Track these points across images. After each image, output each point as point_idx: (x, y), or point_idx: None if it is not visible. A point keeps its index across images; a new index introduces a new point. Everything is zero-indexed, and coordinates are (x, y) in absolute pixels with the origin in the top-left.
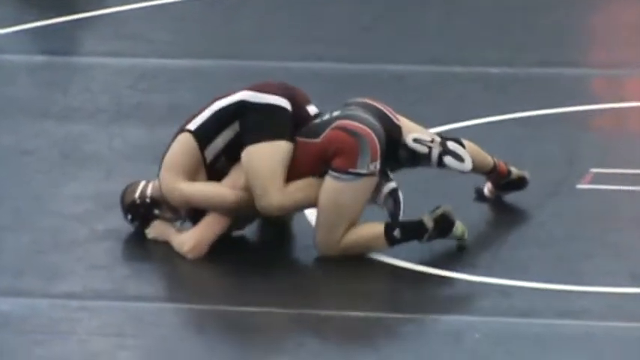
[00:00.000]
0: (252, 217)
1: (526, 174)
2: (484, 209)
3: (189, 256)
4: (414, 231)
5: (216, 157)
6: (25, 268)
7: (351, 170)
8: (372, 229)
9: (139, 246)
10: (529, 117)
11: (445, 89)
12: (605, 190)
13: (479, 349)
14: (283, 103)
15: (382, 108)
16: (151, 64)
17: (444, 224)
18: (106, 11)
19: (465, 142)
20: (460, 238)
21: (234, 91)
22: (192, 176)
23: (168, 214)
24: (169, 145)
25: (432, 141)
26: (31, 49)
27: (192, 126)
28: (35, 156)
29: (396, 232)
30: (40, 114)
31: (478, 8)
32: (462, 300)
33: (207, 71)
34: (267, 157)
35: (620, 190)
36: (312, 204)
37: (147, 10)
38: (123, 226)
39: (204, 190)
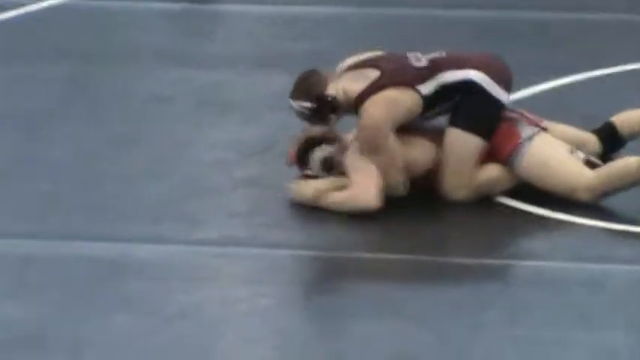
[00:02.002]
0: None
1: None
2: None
3: (371, 205)
4: None
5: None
6: (164, 215)
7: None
8: (628, 163)
9: (278, 194)
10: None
11: (587, 36)
12: None
13: (616, 297)
14: (504, 98)
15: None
16: (293, 11)
17: None
18: None
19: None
20: None
21: (454, 57)
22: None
23: (333, 129)
24: (386, 81)
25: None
26: None
27: (424, 90)
28: (175, 103)
29: None
30: (180, 61)
31: None
32: (596, 247)
33: (349, 18)
34: (468, 151)
35: None
36: (495, 193)
37: None
38: (262, 173)
39: (394, 160)
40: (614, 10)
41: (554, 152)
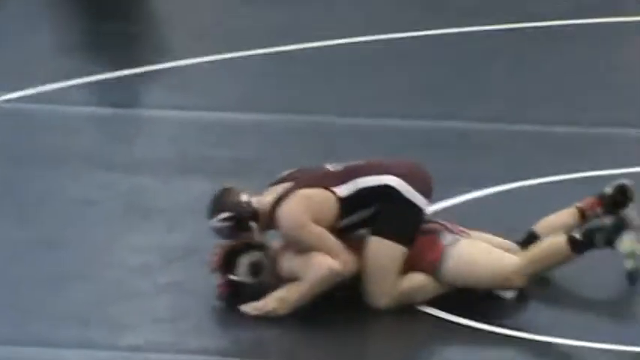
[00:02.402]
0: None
1: (622, 181)
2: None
3: (336, 266)
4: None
5: (340, 229)
6: (91, 319)
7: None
8: (553, 241)
9: (202, 299)
10: (592, 177)
11: (507, 147)
12: None
13: None
14: (423, 204)
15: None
16: (216, 117)
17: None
18: (172, 64)
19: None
20: (629, 256)
21: (373, 164)
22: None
23: (259, 236)
24: (301, 185)
25: None
26: (97, 101)
27: (340, 193)
28: (99, 207)
29: (578, 234)
30: (105, 166)
31: (544, 68)
32: (521, 358)
33: (271, 125)
34: (390, 258)
35: None
36: (418, 302)
37: (213, 63)
38: (185, 279)
39: (331, 241)
40: (533, 121)
41: (480, 248)
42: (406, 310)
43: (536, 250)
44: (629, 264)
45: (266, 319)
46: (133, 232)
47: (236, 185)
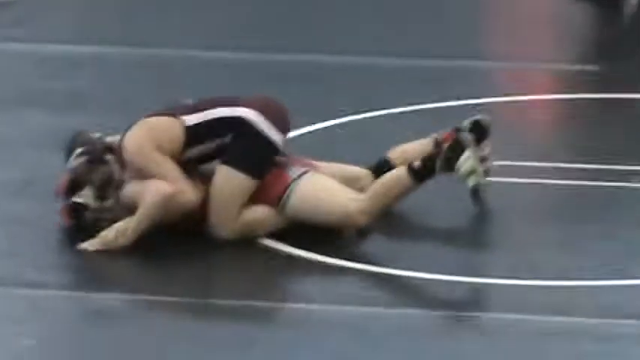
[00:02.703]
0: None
1: (478, 116)
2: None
3: (193, 202)
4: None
5: (189, 159)
6: None
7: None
8: (393, 174)
9: (41, 233)
10: (432, 108)
11: (353, 80)
12: (507, 182)
13: (379, 340)
14: (278, 140)
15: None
16: (53, 50)
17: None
18: None
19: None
20: (468, 174)
21: (229, 98)
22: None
23: (116, 166)
24: (151, 115)
25: None
26: None
27: (189, 121)
28: None
29: (417, 163)
30: None
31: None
32: (361, 290)
33: (109, 58)
34: (236, 189)
35: (521, 183)
36: (260, 234)
37: None
38: (24, 212)
39: (170, 168)
40: (383, 53)
41: (324, 185)
42: (247, 242)
43: (377, 185)
44: (470, 181)
45: (108, 253)
46: None
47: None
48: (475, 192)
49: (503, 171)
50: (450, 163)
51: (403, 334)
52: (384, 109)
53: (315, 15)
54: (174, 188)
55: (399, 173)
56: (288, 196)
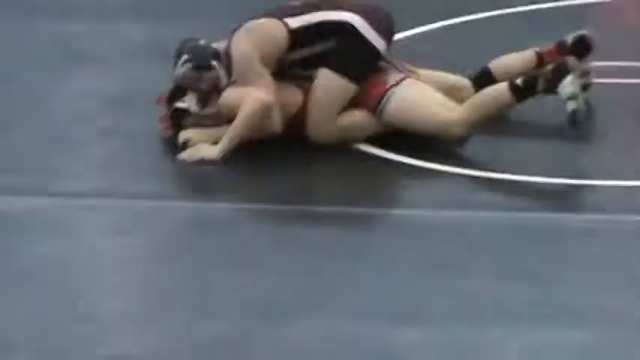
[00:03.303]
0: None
1: (583, 31)
2: None
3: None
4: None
5: (292, 63)
6: (25, 167)
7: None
8: (495, 88)
9: (141, 144)
10: (527, 11)
11: None
12: (611, 83)
13: (480, 243)
14: (382, 46)
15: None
16: None
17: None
18: None
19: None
20: (569, 98)
21: (335, 2)
22: (264, 64)
23: (222, 72)
24: (257, 16)
25: None
26: None
27: (293, 23)
28: (35, 54)
29: (519, 81)
30: (38, 12)
31: None
32: (460, 194)
33: None
34: (337, 93)
35: (625, 84)
36: (358, 139)
37: None
38: (124, 124)
39: (267, 84)
40: None
41: (423, 93)
42: (345, 148)
43: (477, 97)
44: (570, 105)
45: (205, 164)
46: (70, 79)
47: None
48: (573, 116)
49: (607, 72)
50: (552, 85)
51: (502, 238)
52: (484, 11)
53: None
54: (270, 96)
55: (500, 88)
56: (385, 102)
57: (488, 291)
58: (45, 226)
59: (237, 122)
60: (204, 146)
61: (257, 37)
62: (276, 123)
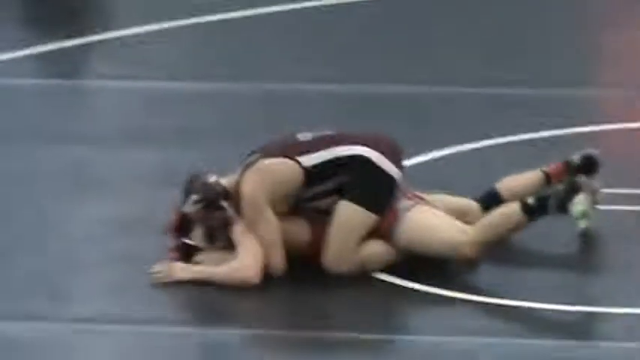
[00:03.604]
0: None
1: (589, 151)
2: None
3: (253, 280)
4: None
5: (306, 199)
6: (36, 291)
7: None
8: (506, 208)
9: (149, 269)
10: (539, 138)
11: (454, 110)
12: (616, 210)
13: None
14: (397, 175)
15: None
16: (160, 87)
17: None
18: (114, 34)
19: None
20: (581, 217)
21: (345, 135)
22: (276, 203)
23: (232, 211)
24: (267, 153)
25: None
26: (39, 73)
27: (307, 162)
28: (46, 181)
29: (531, 200)
30: (52, 138)
31: (489, 27)
32: (470, 321)
33: (216, 94)
34: (358, 224)
35: (631, 211)
36: (375, 269)
37: (155, 32)
38: (134, 249)
39: (271, 231)
40: (482, 83)
41: (434, 216)
42: (362, 277)
43: (488, 218)
44: (581, 224)
45: (212, 290)
46: (80, 204)
47: (203, 169)
48: (585, 235)
49: (615, 199)
50: (563, 204)
51: None
52: (489, 139)
53: (417, 45)
54: (258, 274)
55: (512, 208)
56: (397, 227)
57: None
58: (55, 352)
59: (218, 276)
60: (178, 266)
61: (269, 179)
62: (279, 265)
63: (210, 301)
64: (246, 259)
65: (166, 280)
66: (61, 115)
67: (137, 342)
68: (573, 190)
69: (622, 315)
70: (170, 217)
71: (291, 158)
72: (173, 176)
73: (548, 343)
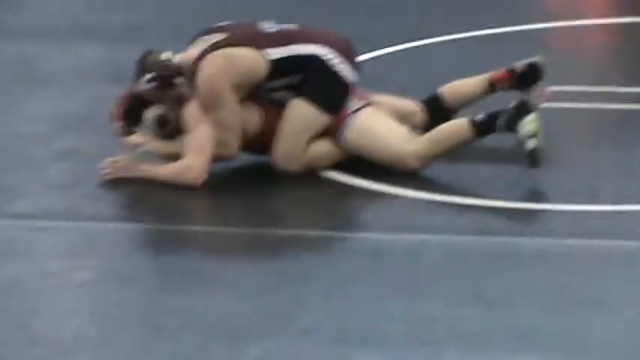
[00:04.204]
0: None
1: (534, 58)
2: None
3: (197, 181)
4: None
5: (266, 91)
6: None
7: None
8: (455, 124)
9: (96, 166)
10: (487, 35)
11: (404, 6)
12: (563, 107)
13: (435, 267)
14: (351, 76)
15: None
16: None
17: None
18: None
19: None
20: (530, 137)
21: (306, 32)
22: (235, 91)
23: (186, 89)
24: (233, 40)
25: None
26: None
27: (272, 55)
28: None
29: (480, 117)
30: None
31: None
32: (417, 218)
33: None
34: (310, 124)
35: (577, 108)
36: (324, 167)
37: None
38: (80, 145)
39: (228, 115)
40: None
41: (381, 123)
42: (309, 175)
43: (436, 132)
44: (530, 144)
45: (158, 186)
46: (25, 100)
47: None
48: (532, 154)
49: (559, 96)
50: (513, 123)
51: (457, 261)
52: (436, 36)
53: None
54: (203, 170)
55: (460, 124)
56: (345, 130)
57: (442, 315)
58: None
59: (162, 175)
60: (124, 163)
61: (235, 67)
62: (234, 151)
63: (158, 198)
64: (191, 159)
65: (112, 177)
66: (4, 9)
67: (81, 238)
68: (524, 110)
69: (565, 212)
70: (116, 107)
71: (257, 48)
72: (119, 71)
73: (493, 239)
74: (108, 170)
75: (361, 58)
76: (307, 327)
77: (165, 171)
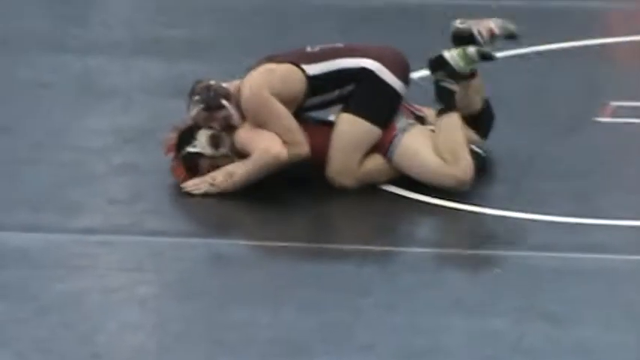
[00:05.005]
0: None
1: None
2: (503, 140)
3: (282, 155)
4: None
5: (306, 108)
6: (43, 203)
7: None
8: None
9: (158, 180)
10: (547, 50)
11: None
12: (625, 123)
13: (498, 282)
14: (401, 89)
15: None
16: None
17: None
18: None
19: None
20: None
21: (352, 48)
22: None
23: (234, 111)
24: (272, 59)
25: None
26: None
27: (311, 71)
28: (53, 90)
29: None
30: (58, 47)
31: None
32: (480, 234)
33: (226, 5)
34: (361, 137)
35: (635, 123)
36: (379, 183)
37: None
38: (142, 160)
39: (284, 117)
40: None
41: (425, 144)
42: (367, 189)
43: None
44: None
45: (223, 201)
46: (87, 115)
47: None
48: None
49: (622, 112)
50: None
51: (520, 276)
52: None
53: None
54: (283, 147)
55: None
56: (393, 146)
57: (506, 330)
58: (62, 263)
59: (247, 169)
60: (214, 177)
61: (271, 78)
62: (306, 148)
63: (220, 213)
64: (263, 144)
65: (209, 191)
66: (67, 25)
67: (144, 253)
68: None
69: (628, 227)
70: (169, 136)
71: (297, 66)
72: (180, 87)
73: (555, 255)
74: (199, 185)
75: (420, 73)
76: (369, 342)
77: (249, 163)
